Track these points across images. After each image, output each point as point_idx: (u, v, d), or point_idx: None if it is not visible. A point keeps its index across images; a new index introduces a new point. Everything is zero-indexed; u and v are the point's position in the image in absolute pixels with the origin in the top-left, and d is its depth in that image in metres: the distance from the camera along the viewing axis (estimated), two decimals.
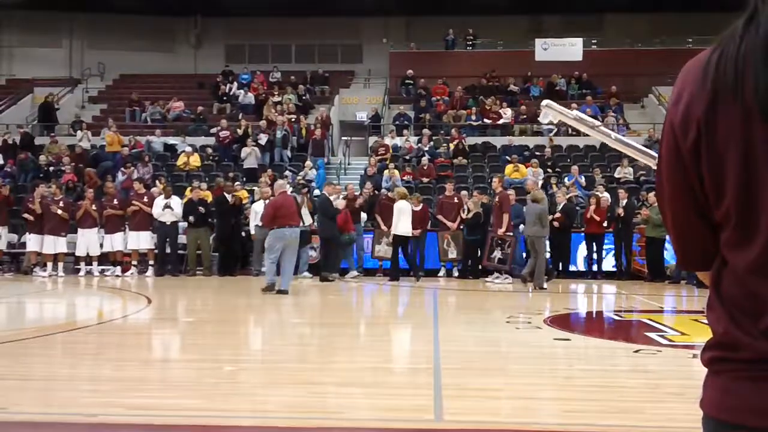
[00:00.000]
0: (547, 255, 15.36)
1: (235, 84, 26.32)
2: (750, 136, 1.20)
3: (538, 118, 23.70)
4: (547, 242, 14.87)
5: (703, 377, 1.36)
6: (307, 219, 15.86)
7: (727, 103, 1.23)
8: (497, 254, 15.55)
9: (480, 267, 16.01)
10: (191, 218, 16.35)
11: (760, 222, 1.22)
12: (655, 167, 1.58)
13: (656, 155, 1.60)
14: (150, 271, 16.54)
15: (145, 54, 29.00)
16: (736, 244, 1.26)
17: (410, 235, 15.50)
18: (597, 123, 1.74)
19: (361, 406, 5.16)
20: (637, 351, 7.34)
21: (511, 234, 15.41)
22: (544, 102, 1.81)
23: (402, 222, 15.37)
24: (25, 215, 16.63)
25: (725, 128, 1.23)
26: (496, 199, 15.68)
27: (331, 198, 15.77)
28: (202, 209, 16.45)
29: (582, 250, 16.81)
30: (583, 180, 19.02)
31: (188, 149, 21.32)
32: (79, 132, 22.74)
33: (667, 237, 15.05)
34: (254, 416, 4.93)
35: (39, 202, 16.57)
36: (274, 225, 12.65)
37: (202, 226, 16.50)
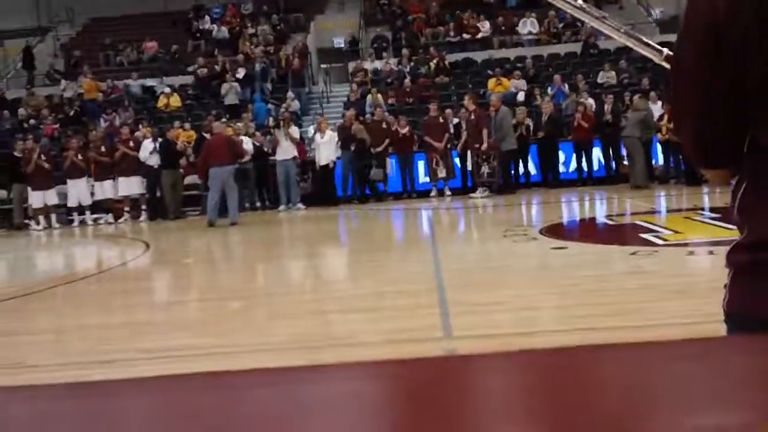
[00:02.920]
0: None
1: (208, 19, 25.87)
2: None
3: (517, 28, 23.57)
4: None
5: (728, 276, 1.33)
6: (291, 152, 15.88)
7: None
8: (485, 169, 15.72)
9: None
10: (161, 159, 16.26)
11: None
12: (659, 61, 1.57)
13: (663, 50, 1.59)
14: (143, 216, 16.54)
15: None
16: None
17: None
18: (604, 14, 1.70)
19: (369, 330, 5.26)
20: (633, 253, 7.46)
21: (495, 148, 15.61)
22: None
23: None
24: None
25: None
26: (472, 117, 15.83)
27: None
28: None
29: (571, 158, 16.87)
30: (566, 88, 18.95)
31: (167, 90, 21.11)
32: (63, 81, 22.41)
33: (655, 138, 15.24)
34: (265, 348, 5.00)
35: (21, 157, 16.52)
36: (206, 166, 13.76)
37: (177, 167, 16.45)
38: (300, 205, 16.04)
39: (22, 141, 17.30)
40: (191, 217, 16.24)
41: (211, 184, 13.68)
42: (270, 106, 19.81)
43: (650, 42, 1.60)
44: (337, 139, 16.48)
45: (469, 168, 16.14)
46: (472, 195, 15.77)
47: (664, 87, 17.53)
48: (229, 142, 14.09)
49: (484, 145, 15.57)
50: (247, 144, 16.14)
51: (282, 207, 16.03)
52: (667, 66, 1.45)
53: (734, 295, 1.30)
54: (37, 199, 16.42)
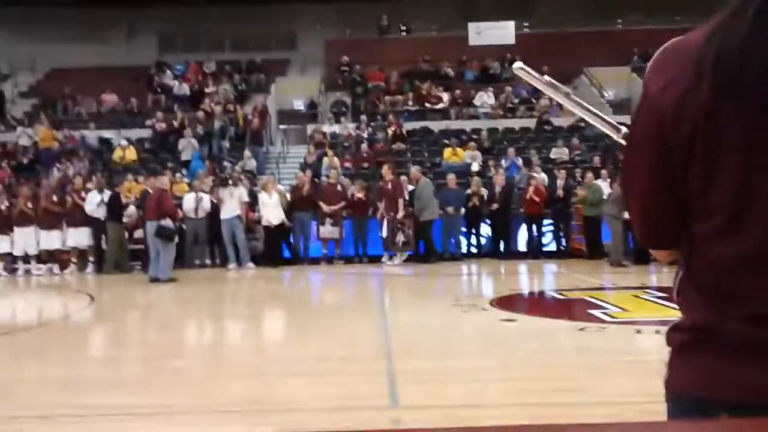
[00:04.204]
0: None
1: (170, 75, 25.92)
2: (754, 136, 1.20)
3: (473, 101, 24.03)
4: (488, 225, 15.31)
5: (667, 355, 1.39)
6: (234, 210, 15.84)
7: (729, 101, 1.21)
8: (401, 238, 16.26)
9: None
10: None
11: (752, 216, 1.23)
12: (618, 139, 1.61)
13: (621, 128, 1.62)
14: (90, 268, 16.24)
15: (77, 45, 28.21)
16: (724, 235, 1.27)
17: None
18: (568, 90, 1.74)
19: (313, 395, 5.18)
20: (581, 329, 7.51)
21: (410, 217, 16.26)
22: (516, 64, 1.76)
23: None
24: None
25: (727, 127, 1.22)
26: (389, 186, 16.40)
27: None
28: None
29: (523, 231, 17.04)
30: (520, 161, 19.26)
31: (123, 143, 20.97)
32: (19, 128, 22.15)
33: (603, 215, 15.49)
34: (204, 411, 4.89)
35: None
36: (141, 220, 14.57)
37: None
38: (250, 264, 15.89)
39: None
40: (137, 271, 15.93)
41: (148, 239, 13.99)
42: (226, 164, 19.78)
43: (610, 120, 1.66)
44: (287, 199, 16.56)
45: (384, 235, 16.36)
46: (384, 261, 16.16)
47: (613, 166, 17.94)
48: (159, 198, 13.98)
49: (400, 214, 16.11)
50: (206, 202, 16.05)
51: (231, 265, 15.86)
52: (624, 143, 1.51)
53: (671, 373, 1.38)
54: None
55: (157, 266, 13.68)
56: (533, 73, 1.71)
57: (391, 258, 16.33)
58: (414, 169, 17.27)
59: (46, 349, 7.68)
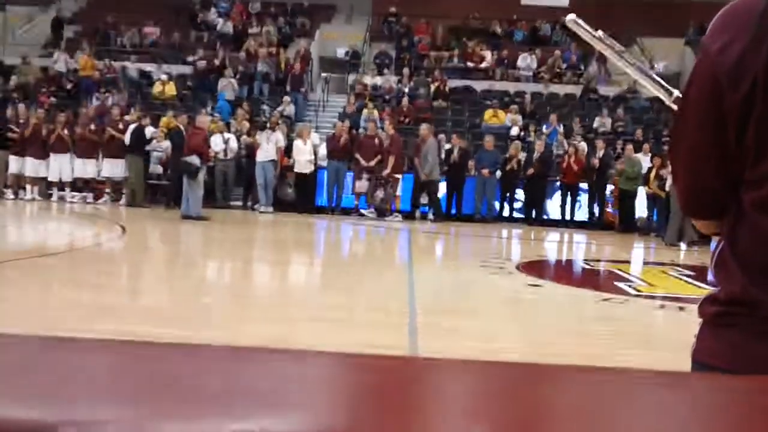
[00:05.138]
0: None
1: (214, 11, 25.82)
2: None
3: (518, 63, 23.71)
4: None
5: (697, 328, 1.37)
6: (271, 154, 15.88)
7: None
8: (380, 194, 16.24)
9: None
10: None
11: None
12: (669, 103, 1.57)
13: (674, 92, 1.58)
14: (123, 200, 16.41)
15: None
16: None
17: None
18: (622, 48, 1.69)
19: (336, 340, 5.22)
20: (605, 299, 7.47)
21: (397, 176, 16.21)
22: (570, 16, 1.70)
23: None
24: (10, 135, 16.42)
25: None
26: (388, 142, 16.33)
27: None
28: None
29: (556, 199, 16.93)
30: (561, 128, 19.04)
31: (164, 77, 21.01)
32: (56, 53, 22.30)
33: (640, 189, 15.33)
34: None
35: (22, 123, 16.47)
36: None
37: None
38: (270, 208, 15.99)
39: (22, 108, 17.18)
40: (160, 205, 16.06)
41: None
42: (264, 107, 19.77)
43: (662, 82, 1.60)
44: (323, 147, 16.57)
45: (363, 189, 16.38)
46: (361, 212, 16.24)
47: (654, 141, 17.70)
48: (190, 135, 14.25)
49: (386, 171, 16.08)
50: (233, 143, 16.15)
51: (261, 207, 16.01)
52: (675, 108, 1.47)
53: (700, 345, 1.35)
54: (31, 168, 16.32)
55: (188, 203, 13.80)
56: (586, 26, 1.66)
57: (359, 210, 16.39)
58: (423, 127, 17.04)
59: (75, 275, 7.80)
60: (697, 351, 1.35)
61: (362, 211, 16.31)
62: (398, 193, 16.49)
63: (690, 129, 1.34)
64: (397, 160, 16.19)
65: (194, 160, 13.70)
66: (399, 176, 16.33)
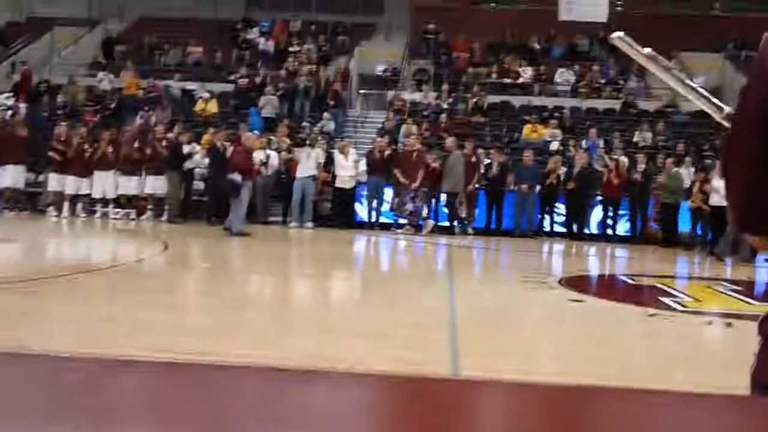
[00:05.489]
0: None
1: (256, 31, 26.13)
2: None
3: (555, 78, 23.60)
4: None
5: (758, 344, 1.33)
6: (310, 170, 15.98)
7: None
8: (409, 207, 16.20)
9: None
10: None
11: None
12: (720, 119, 1.54)
13: (725, 108, 1.55)
14: (165, 216, 16.59)
15: None
16: None
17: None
18: (670, 64, 1.67)
19: (376, 357, 5.20)
20: (651, 315, 7.36)
21: (426, 188, 16.26)
22: (616, 34, 1.69)
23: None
24: (51, 153, 16.71)
25: None
26: (414, 155, 16.39)
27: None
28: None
29: (597, 213, 16.79)
30: (601, 143, 18.88)
31: (206, 95, 21.26)
32: (100, 73, 22.69)
33: (684, 202, 15.13)
34: (269, 364, 4.96)
35: (63, 141, 16.75)
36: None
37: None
38: (309, 224, 16.07)
39: (63, 127, 17.48)
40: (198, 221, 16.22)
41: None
42: (305, 124, 19.90)
43: (712, 98, 1.57)
44: (363, 163, 16.64)
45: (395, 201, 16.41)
46: (397, 231, 16.17)
47: (696, 154, 17.48)
48: (233, 152, 14.58)
49: (415, 184, 16.08)
50: (273, 159, 16.31)
51: (293, 223, 16.11)
52: (726, 125, 1.44)
53: (760, 364, 1.31)
54: (71, 185, 16.59)
55: (230, 219, 13.89)
56: (634, 44, 1.65)
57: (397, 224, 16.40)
58: (449, 141, 17.09)
59: (119, 291, 7.89)
60: (756, 371, 1.31)
61: (398, 226, 16.31)
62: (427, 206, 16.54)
63: (747, 140, 1.31)
64: (424, 173, 16.32)
65: (236, 177, 13.81)
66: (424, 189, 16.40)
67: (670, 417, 0.75)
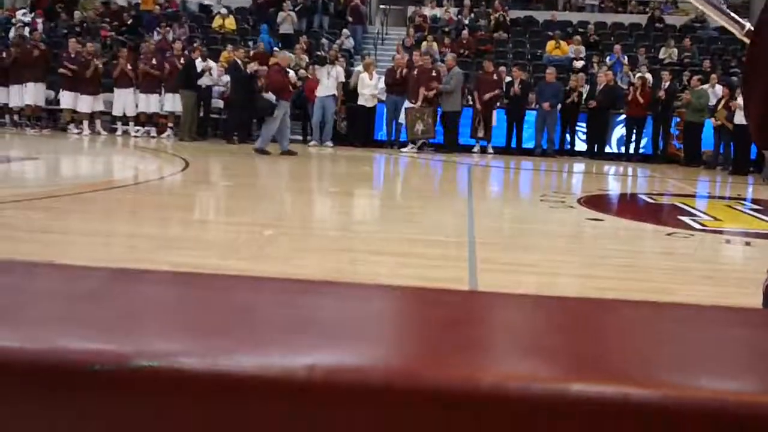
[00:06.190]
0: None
1: None
2: None
3: None
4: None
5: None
6: (330, 89, 15.84)
7: None
8: (419, 126, 15.96)
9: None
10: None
11: None
12: (741, 36, 1.51)
13: (746, 24, 1.52)
14: (168, 133, 16.60)
15: None
16: None
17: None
18: None
19: (395, 274, 5.25)
20: (669, 234, 7.35)
21: (430, 106, 15.97)
22: None
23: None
24: (62, 71, 16.63)
25: None
26: (415, 72, 16.09)
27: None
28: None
29: (618, 132, 16.62)
30: (625, 60, 18.56)
31: (223, 11, 21.01)
32: None
33: (707, 121, 14.95)
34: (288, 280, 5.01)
35: (74, 57, 16.61)
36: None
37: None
38: (329, 143, 16.04)
39: (80, 44, 17.34)
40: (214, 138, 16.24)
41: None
42: (323, 41, 19.68)
43: (733, 14, 1.54)
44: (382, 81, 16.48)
45: (403, 121, 16.19)
46: (402, 150, 16.00)
47: (723, 72, 17.18)
48: (268, 72, 14.52)
49: (418, 103, 15.84)
50: (291, 76, 16.18)
51: (312, 141, 16.10)
52: (747, 41, 1.40)
53: None
54: (83, 103, 16.54)
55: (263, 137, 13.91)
56: None
57: (404, 145, 16.25)
58: (449, 57, 16.83)
59: (140, 207, 7.96)
60: None
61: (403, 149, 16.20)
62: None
63: (766, 55, 1.28)
64: (426, 91, 15.99)
65: (270, 97, 13.75)
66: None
67: (684, 328, 0.76)
